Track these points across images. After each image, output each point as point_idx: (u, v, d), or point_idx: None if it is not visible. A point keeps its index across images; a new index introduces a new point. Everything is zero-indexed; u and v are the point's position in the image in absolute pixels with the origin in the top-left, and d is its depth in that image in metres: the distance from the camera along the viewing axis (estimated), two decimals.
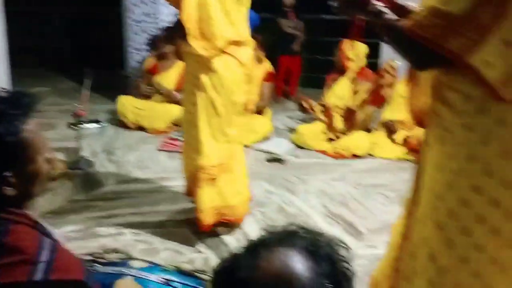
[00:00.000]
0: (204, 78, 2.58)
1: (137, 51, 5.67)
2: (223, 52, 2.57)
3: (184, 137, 2.94)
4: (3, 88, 1.23)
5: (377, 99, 4.32)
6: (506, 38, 1.17)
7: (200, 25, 2.50)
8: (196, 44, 2.50)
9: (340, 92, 4.38)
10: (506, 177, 1.28)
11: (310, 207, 3.17)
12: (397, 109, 4.22)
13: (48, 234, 1.19)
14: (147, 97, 4.86)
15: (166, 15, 5.38)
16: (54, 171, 1.27)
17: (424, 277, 1.41)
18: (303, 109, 4.36)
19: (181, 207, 3.08)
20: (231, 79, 2.62)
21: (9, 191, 1.13)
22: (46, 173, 1.21)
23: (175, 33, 4.27)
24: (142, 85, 4.91)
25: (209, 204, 2.65)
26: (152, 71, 4.95)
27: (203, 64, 2.57)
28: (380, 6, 1.35)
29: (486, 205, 1.30)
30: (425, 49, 1.23)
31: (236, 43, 2.61)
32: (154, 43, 5.11)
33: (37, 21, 8.35)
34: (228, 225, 2.80)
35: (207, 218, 2.65)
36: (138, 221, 2.92)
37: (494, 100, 1.24)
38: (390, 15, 1.33)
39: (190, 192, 2.84)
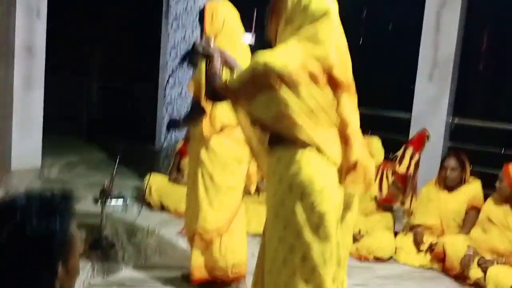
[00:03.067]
0: (203, 154, 3.02)
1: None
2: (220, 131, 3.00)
3: (186, 200, 3.25)
4: (54, 188, 1.34)
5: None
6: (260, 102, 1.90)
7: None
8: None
9: None
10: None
11: None
12: (426, 213, 4.16)
13: None
14: (176, 181, 4.91)
15: None
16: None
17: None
18: None
19: None
20: (226, 156, 3.01)
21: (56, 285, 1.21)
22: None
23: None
24: (173, 171, 4.99)
25: (199, 263, 3.07)
26: (182, 153, 5.02)
27: (203, 142, 3.02)
28: (218, 65, 2.31)
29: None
30: (219, 95, 2.11)
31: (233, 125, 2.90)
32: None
33: (75, 91, 8.70)
34: (225, 284, 3.07)
35: (197, 275, 3.07)
36: None
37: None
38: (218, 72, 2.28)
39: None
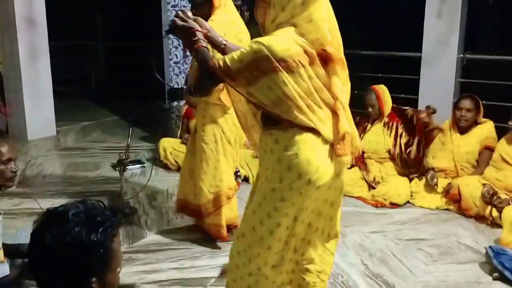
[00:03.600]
0: (223, 121, 3.22)
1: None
2: None
3: (184, 168, 3.54)
4: (99, 201, 1.39)
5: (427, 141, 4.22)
6: (259, 85, 1.95)
7: None
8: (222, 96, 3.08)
9: (375, 138, 4.35)
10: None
11: (348, 264, 3.16)
12: (439, 156, 4.18)
13: None
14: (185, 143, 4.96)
15: None
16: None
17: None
18: None
19: (220, 262, 3.14)
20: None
21: None
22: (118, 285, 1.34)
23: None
24: (183, 133, 5.03)
25: (226, 218, 3.36)
26: (189, 116, 5.04)
27: (222, 110, 3.19)
28: (201, 37, 2.16)
29: None
30: (213, 76, 2.05)
31: None
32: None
33: (80, 53, 8.66)
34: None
35: (225, 230, 3.38)
36: (179, 278, 2.99)
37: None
38: (204, 44, 2.15)
39: (183, 209, 3.56)
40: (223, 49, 2.19)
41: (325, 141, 2.02)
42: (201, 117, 3.28)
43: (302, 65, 1.92)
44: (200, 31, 2.17)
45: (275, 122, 2.03)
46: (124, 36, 8.51)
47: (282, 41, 1.92)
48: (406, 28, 6.48)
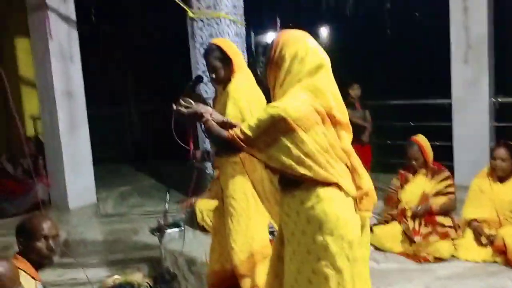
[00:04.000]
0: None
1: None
2: None
3: (216, 232, 3.34)
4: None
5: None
6: (278, 146, 2.06)
7: None
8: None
9: (418, 190, 4.28)
10: None
11: None
12: (479, 205, 4.08)
13: None
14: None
15: None
16: None
17: None
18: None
19: None
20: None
21: None
22: None
23: None
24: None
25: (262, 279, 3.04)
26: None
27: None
28: (208, 116, 2.27)
29: None
30: (230, 147, 2.15)
31: None
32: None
33: (116, 120, 8.98)
34: None
35: None
36: None
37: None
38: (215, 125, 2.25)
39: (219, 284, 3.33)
40: (229, 125, 2.30)
41: (347, 195, 2.09)
42: (228, 174, 3.15)
43: (316, 123, 2.04)
44: (205, 112, 2.29)
45: (297, 183, 2.09)
46: (155, 98, 8.81)
47: (295, 103, 2.05)
48: (433, 74, 6.52)
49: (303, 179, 2.06)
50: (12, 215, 5.58)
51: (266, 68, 2.22)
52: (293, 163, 2.04)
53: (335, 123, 2.12)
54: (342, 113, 2.15)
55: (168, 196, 3.99)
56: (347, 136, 2.17)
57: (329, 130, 2.09)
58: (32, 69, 7.13)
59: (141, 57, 8.68)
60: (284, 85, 2.14)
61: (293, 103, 2.04)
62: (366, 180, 2.11)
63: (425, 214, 4.10)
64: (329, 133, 2.09)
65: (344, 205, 2.08)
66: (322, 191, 2.06)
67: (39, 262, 2.42)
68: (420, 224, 4.10)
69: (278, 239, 2.33)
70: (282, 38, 2.17)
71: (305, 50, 2.11)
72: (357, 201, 2.10)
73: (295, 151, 2.03)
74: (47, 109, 5.96)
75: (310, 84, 2.09)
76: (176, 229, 4.91)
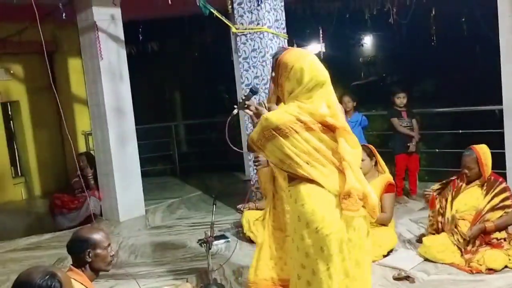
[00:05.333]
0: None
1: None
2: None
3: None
4: None
5: None
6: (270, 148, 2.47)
7: None
8: None
9: (472, 202, 4.14)
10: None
11: None
12: None
13: None
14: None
15: None
16: None
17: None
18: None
19: None
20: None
21: None
22: None
23: None
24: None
25: None
26: None
27: None
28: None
29: None
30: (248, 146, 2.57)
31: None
32: None
33: (164, 134, 9.20)
34: None
35: None
36: None
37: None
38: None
39: None
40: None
41: (332, 193, 2.33)
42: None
43: (295, 131, 2.37)
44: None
45: (292, 179, 2.45)
46: (201, 113, 8.99)
47: (277, 113, 2.45)
48: (482, 81, 6.34)
49: (295, 175, 2.40)
50: (67, 228, 5.81)
51: (272, 85, 2.64)
52: (278, 162, 2.45)
53: (331, 128, 2.42)
54: (336, 119, 2.42)
55: (214, 208, 4.07)
56: (348, 138, 2.41)
57: (320, 136, 2.40)
58: (83, 88, 7.46)
59: (187, 72, 8.89)
60: (286, 101, 2.51)
61: (276, 113, 2.45)
62: (350, 181, 2.28)
63: (479, 235, 3.95)
64: (321, 139, 2.40)
65: (322, 201, 2.32)
66: (303, 187, 2.37)
67: (103, 269, 2.59)
68: (474, 244, 3.96)
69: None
70: (283, 59, 2.46)
71: (300, 71, 2.40)
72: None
73: (278, 152, 2.42)
74: (98, 126, 6.18)
75: (306, 96, 2.42)
76: (223, 240, 4.97)
